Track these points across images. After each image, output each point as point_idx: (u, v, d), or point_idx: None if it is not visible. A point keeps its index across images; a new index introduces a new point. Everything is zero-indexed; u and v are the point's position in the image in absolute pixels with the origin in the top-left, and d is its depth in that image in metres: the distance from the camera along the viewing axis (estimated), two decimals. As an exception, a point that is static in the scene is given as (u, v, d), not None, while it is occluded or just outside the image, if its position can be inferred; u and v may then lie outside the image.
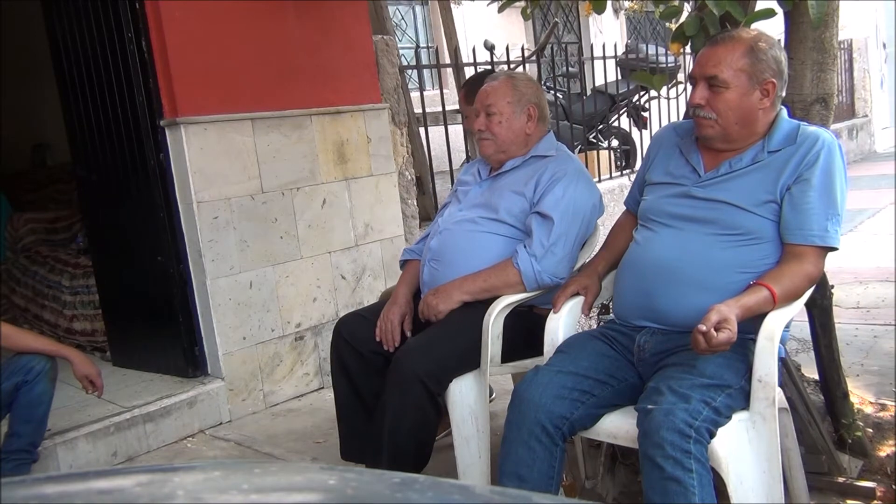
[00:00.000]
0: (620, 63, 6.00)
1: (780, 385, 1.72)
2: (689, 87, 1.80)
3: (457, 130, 4.71)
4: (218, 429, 3.03)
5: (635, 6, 8.75)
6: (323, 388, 3.36)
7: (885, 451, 2.23)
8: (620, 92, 6.15)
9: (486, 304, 2.06)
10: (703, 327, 1.49)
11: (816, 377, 2.32)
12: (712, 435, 1.50)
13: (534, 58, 5.16)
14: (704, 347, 1.50)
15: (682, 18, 2.19)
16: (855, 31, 10.51)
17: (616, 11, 9.62)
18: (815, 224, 1.67)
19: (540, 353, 1.95)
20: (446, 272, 2.16)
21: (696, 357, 1.59)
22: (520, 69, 4.49)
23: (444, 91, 4.46)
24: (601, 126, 6.27)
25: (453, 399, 2.02)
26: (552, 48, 5.35)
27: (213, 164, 3.00)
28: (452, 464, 2.06)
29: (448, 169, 4.47)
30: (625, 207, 2.10)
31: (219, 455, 2.79)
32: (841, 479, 2.07)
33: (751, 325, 1.60)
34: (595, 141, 6.23)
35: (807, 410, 2.06)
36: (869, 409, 2.50)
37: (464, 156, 4.54)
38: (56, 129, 4.18)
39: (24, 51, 4.89)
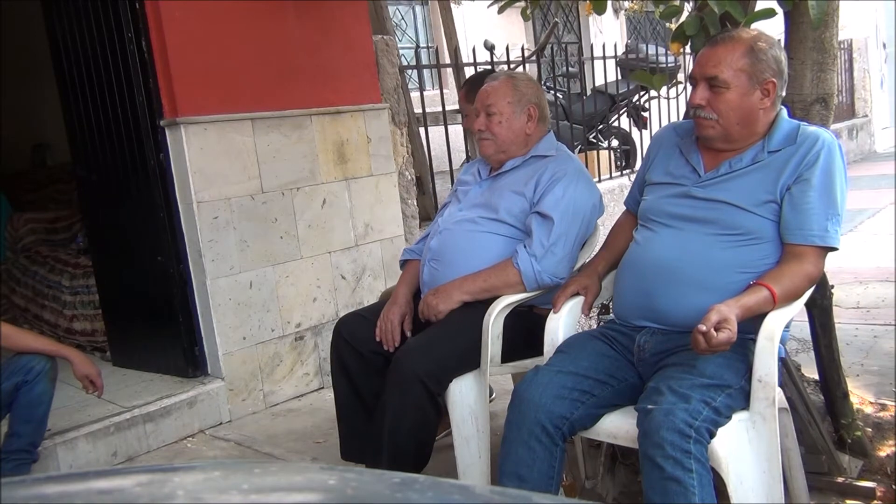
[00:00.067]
0: (620, 63, 6.00)
1: (780, 385, 1.72)
2: (689, 88, 1.80)
3: (457, 130, 4.71)
4: (218, 429, 3.03)
5: (635, 6, 8.75)
6: (323, 388, 3.36)
7: (885, 451, 2.23)
8: (620, 92, 6.15)
9: (486, 304, 2.06)
10: (703, 327, 1.49)
11: (816, 377, 2.32)
12: (712, 435, 1.50)
13: (534, 58, 5.16)
14: (704, 347, 1.50)
15: (682, 18, 2.20)
16: (855, 31, 10.51)
17: (616, 11, 9.62)
18: (815, 224, 1.67)
19: (540, 353, 1.95)
20: (446, 272, 2.16)
21: (696, 357, 1.59)
22: (520, 69, 4.49)
23: (444, 91, 4.46)
24: (601, 126, 6.27)
25: (453, 399, 2.02)
26: (552, 48, 5.35)
27: (213, 164, 3.00)
28: (452, 464, 2.06)
29: (448, 169, 4.47)
30: (625, 207, 2.10)
31: (219, 455, 2.79)
32: (841, 479, 2.07)
33: (751, 325, 1.60)
34: (595, 141, 6.23)
35: (807, 410, 2.06)
36: (869, 409, 2.50)
37: (464, 156, 4.54)
38: (56, 129, 4.18)
39: (24, 51, 4.89)
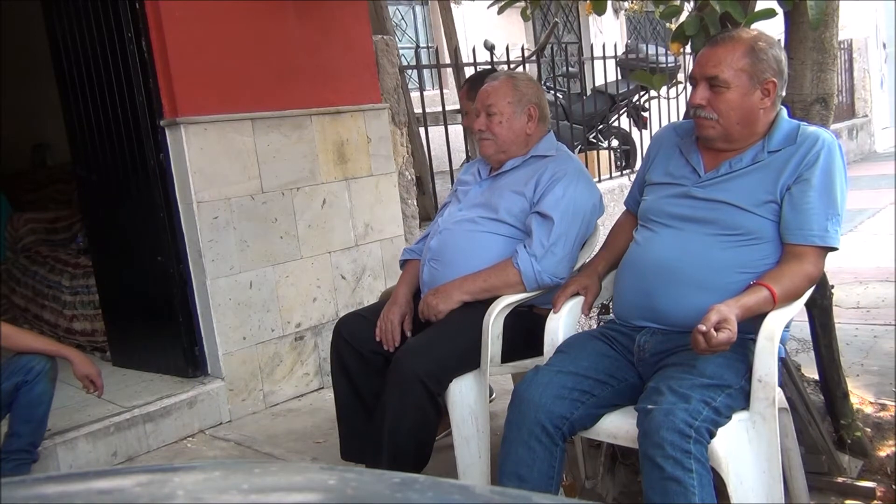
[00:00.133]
0: (620, 63, 6.00)
1: (780, 385, 1.72)
2: (689, 88, 1.80)
3: (457, 130, 4.71)
4: (218, 429, 3.03)
5: (635, 6, 8.75)
6: (323, 388, 3.36)
7: (885, 451, 2.23)
8: (620, 92, 6.15)
9: (486, 304, 2.05)
10: (702, 327, 1.49)
11: (816, 377, 2.32)
12: (712, 435, 1.50)
13: (534, 58, 5.17)
14: (704, 347, 1.50)
15: (683, 18, 2.19)
16: (855, 31, 10.51)
17: (616, 11, 9.62)
18: (815, 224, 1.67)
19: (540, 353, 1.95)
20: (446, 272, 2.16)
21: (696, 357, 1.59)
22: (520, 69, 4.49)
23: (444, 91, 4.46)
24: (601, 126, 6.27)
25: (453, 399, 2.02)
26: (552, 48, 5.35)
27: (213, 164, 3.00)
28: (452, 464, 2.06)
29: (448, 169, 4.47)
30: (625, 207, 2.10)
31: (219, 455, 2.79)
32: (841, 479, 2.07)
33: (751, 325, 1.60)
34: (595, 141, 6.23)
35: (807, 410, 2.06)
36: (869, 409, 2.50)
37: (464, 156, 4.54)
38: (56, 129, 4.18)
39: (24, 51, 4.89)
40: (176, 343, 3.10)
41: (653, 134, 2.28)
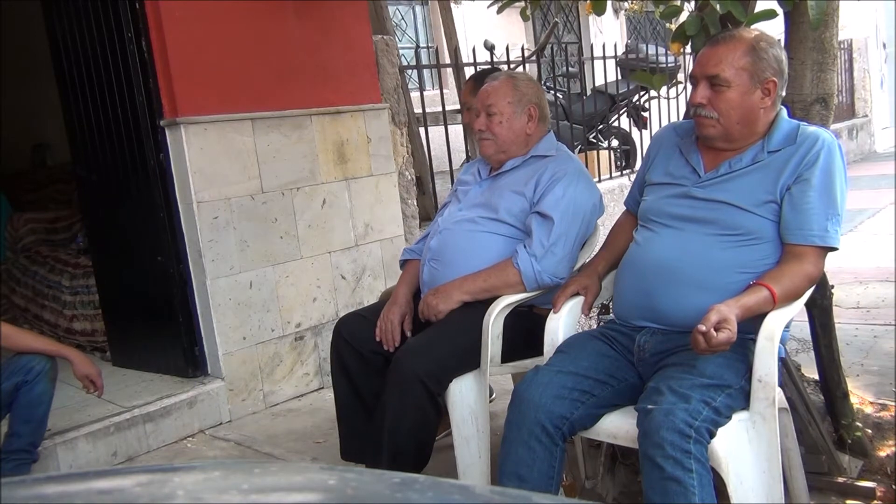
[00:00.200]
0: (620, 63, 6.00)
1: (780, 385, 1.72)
2: (690, 87, 1.80)
3: (457, 130, 4.71)
4: (218, 429, 3.03)
5: (635, 6, 8.74)
6: (323, 388, 3.36)
7: (885, 451, 2.23)
8: (620, 92, 6.15)
9: (486, 304, 2.05)
10: (702, 327, 1.49)
11: (816, 377, 2.32)
12: (712, 435, 1.50)
13: (534, 58, 5.17)
14: (704, 347, 1.50)
15: (683, 18, 2.19)
16: (855, 31, 10.52)
17: (616, 11, 9.62)
18: (815, 224, 1.67)
19: (540, 353, 1.95)
20: (446, 272, 2.16)
21: (696, 357, 1.59)
22: (520, 69, 4.49)
23: (444, 91, 4.46)
24: (601, 126, 6.27)
25: (453, 399, 2.02)
26: (552, 48, 5.35)
27: (213, 164, 3.00)
28: (452, 464, 2.06)
29: (448, 169, 4.47)
30: (625, 207, 2.10)
31: (219, 455, 2.79)
32: (841, 479, 2.07)
33: (751, 325, 1.60)
34: (595, 141, 6.23)
35: (807, 410, 2.06)
36: (869, 409, 2.50)
37: (464, 156, 4.54)
38: (56, 129, 4.18)
39: (24, 51, 4.89)
40: (176, 343, 3.10)
41: (653, 134, 2.28)
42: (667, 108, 5.78)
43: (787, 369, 1.98)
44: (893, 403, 2.54)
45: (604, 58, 5.36)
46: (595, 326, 2.08)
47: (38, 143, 5.67)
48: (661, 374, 1.64)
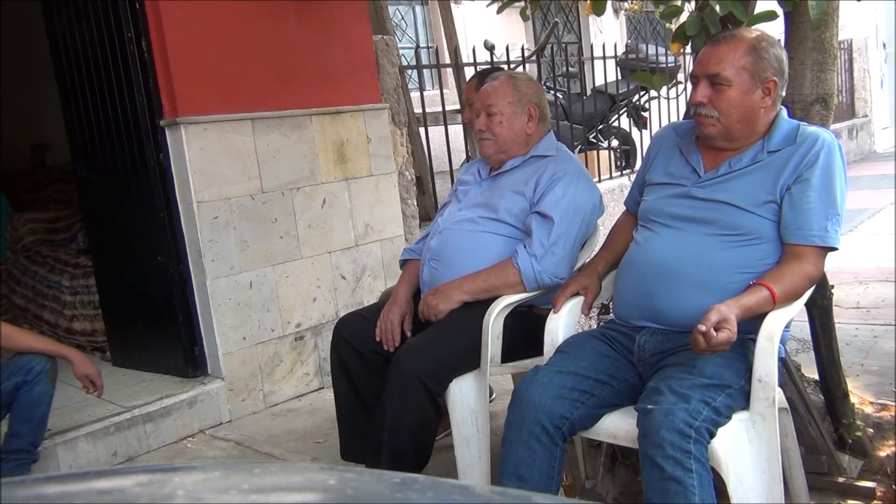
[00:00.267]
0: (620, 63, 6.00)
1: (780, 385, 1.72)
2: (690, 87, 1.79)
3: (457, 130, 4.71)
4: (218, 429, 3.03)
5: (635, 6, 8.75)
6: (323, 388, 3.36)
7: (885, 451, 2.23)
8: (620, 92, 6.15)
9: (486, 304, 2.05)
10: (702, 327, 1.49)
11: (816, 377, 2.32)
12: (712, 435, 1.50)
13: (534, 58, 5.17)
14: (704, 347, 1.50)
15: (683, 18, 2.20)
16: (855, 31, 10.52)
17: (616, 11, 9.62)
18: (814, 224, 1.67)
19: (540, 353, 1.95)
20: (446, 272, 2.16)
21: (696, 357, 1.59)
22: (520, 69, 4.49)
23: (444, 91, 4.46)
24: (601, 126, 6.27)
25: (453, 399, 2.02)
26: (552, 48, 5.35)
27: (213, 164, 3.00)
28: (452, 464, 2.06)
29: (448, 169, 4.47)
30: (625, 207, 2.10)
31: (219, 455, 2.79)
32: (841, 479, 2.07)
33: (751, 325, 1.60)
34: (595, 141, 6.23)
35: (807, 410, 2.06)
36: (869, 409, 2.50)
37: (464, 156, 4.54)
38: (56, 129, 4.17)
39: (24, 51, 4.89)
40: (176, 343, 3.10)
41: (653, 134, 2.28)
42: (667, 108, 5.78)
43: (787, 369, 1.98)
44: (893, 403, 2.54)
45: (604, 58, 5.36)
46: (595, 326, 2.08)
47: (38, 143, 5.66)
48: (661, 374, 1.64)
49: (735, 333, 1.50)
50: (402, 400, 1.94)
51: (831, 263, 1.81)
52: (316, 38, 3.33)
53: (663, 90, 4.90)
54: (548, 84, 5.88)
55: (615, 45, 5.82)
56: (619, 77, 6.22)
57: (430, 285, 2.18)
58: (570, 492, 1.97)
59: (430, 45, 7.74)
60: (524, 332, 2.09)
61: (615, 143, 6.42)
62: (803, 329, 2.41)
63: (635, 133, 6.27)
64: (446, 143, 4.37)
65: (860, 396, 2.58)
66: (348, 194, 3.48)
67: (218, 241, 3.02)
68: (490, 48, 4.49)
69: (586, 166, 2.69)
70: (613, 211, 4.23)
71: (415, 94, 4.48)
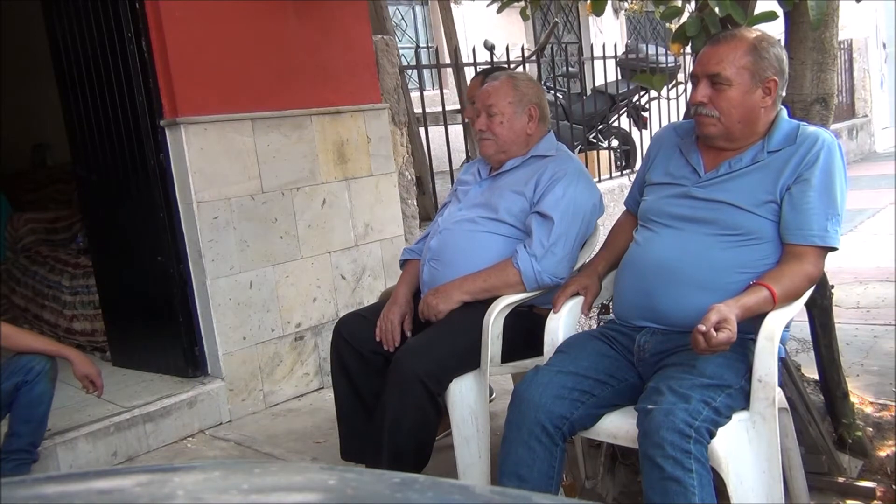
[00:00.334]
0: (620, 63, 6.00)
1: (780, 385, 1.72)
2: (690, 87, 1.79)
3: (457, 130, 4.71)
4: (218, 429, 3.03)
5: (635, 6, 8.75)
6: (323, 388, 3.36)
7: (885, 451, 2.23)
8: (620, 92, 6.15)
9: (486, 304, 2.05)
10: (702, 327, 1.49)
11: (816, 377, 2.32)
12: (712, 435, 1.50)
13: (534, 58, 5.17)
14: (704, 347, 1.50)
15: (683, 19, 2.20)
16: (855, 31, 10.52)
17: (616, 11, 9.62)
18: (814, 224, 1.67)
19: (540, 353, 1.95)
20: (446, 272, 2.16)
21: (696, 357, 1.59)
22: (520, 69, 4.49)
23: (444, 91, 4.46)
24: (601, 126, 6.27)
25: (453, 399, 2.02)
26: (552, 48, 5.35)
27: (213, 164, 3.00)
28: (452, 464, 2.06)
29: (448, 169, 4.47)
30: (625, 207, 2.10)
31: (219, 455, 2.79)
32: (841, 479, 2.07)
33: (751, 325, 1.60)
34: (595, 141, 6.23)
35: (807, 410, 2.06)
36: (869, 409, 2.50)
37: (464, 156, 4.54)
38: (56, 129, 4.17)
39: (24, 51, 4.89)
40: (176, 343, 3.10)
41: (653, 134, 2.28)
42: (667, 108, 5.78)
43: (787, 369, 1.98)
44: (893, 403, 2.54)
45: (604, 58, 5.36)
46: (595, 326, 2.08)
47: (38, 143, 5.66)
48: (661, 374, 1.64)
49: (735, 333, 1.50)
50: (402, 400, 1.94)
51: (831, 263, 1.81)
52: (316, 38, 3.33)
53: (663, 90, 4.90)
54: (548, 84, 5.88)
55: (615, 45, 5.82)
56: (619, 77, 6.22)
57: (430, 285, 2.18)
58: (570, 492, 1.97)
59: (430, 45, 7.74)
60: (524, 332, 2.09)
61: (615, 143, 6.42)
62: (803, 329, 2.41)
63: (635, 133, 6.27)
64: (446, 143, 4.37)
65: (860, 396, 2.58)
66: (348, 194, 3.48)
67: (218, 241, 3.02)
68: (490, 48, 4.49)
69: (586, 166, 2.69)
70: (613, 211, 4.23)
71: (415, 94, 4.48)
